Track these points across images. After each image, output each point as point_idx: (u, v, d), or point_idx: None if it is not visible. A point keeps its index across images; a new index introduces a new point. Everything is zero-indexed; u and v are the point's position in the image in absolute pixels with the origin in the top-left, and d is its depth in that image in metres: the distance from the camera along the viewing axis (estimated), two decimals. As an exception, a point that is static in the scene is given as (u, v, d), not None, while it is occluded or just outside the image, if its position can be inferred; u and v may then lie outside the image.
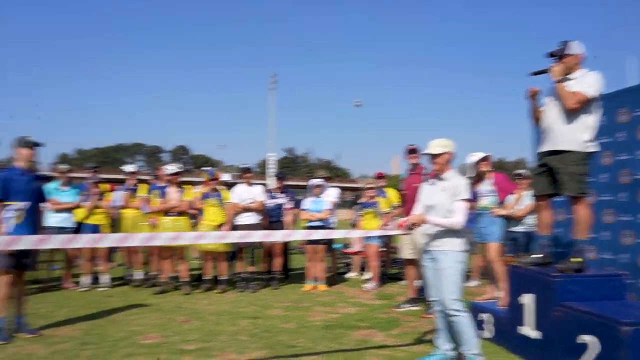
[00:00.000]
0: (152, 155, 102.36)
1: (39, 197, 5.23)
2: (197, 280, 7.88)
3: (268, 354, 4.46)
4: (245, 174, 7.89)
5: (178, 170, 7.66)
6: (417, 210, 4.31)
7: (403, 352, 4.55)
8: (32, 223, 5.01)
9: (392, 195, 8.49)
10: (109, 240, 3.49)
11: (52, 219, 7.29)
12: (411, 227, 4.21)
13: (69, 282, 7.73)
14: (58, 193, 7.50)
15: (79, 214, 7.67)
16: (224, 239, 6.01)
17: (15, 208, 4.85)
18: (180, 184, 7.69)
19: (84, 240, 3.34)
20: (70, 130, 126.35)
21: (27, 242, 3.32)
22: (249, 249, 7.92)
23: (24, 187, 4.96)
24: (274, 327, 5.45)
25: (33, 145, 5.04)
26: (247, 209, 7.64)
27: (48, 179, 7.36)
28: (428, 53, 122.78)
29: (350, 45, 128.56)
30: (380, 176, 9.15)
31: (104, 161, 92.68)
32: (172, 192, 7.50)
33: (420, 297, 6.34)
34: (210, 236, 5.18)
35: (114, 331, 5.14)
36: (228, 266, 7.82)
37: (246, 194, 7.72)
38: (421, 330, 5.30)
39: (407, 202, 6.23)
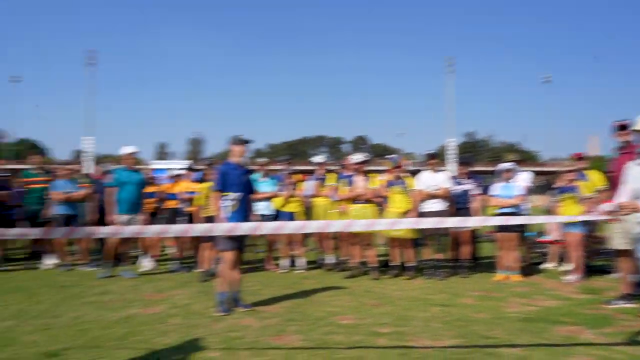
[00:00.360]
0: (334, 146, 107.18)
1: (250, 188, 5.84)
2: (384, 266, 8.06)
3: (462, 343, 4.36)
4: (430, 160, 7.79)
5: (364, 159, 7.89)
6: (624, 194, 3.77)
7: (620, 353, 4.05)
8: (245, 211, 5.63)
9: (595, 177, 7.58)
10: (312, 227, 3.75)
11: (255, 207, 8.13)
12: (621, 213, 3.71)
13: (271, 264, 8.53)
14: (258, 184, 8.32)
15: (277, 202, 8.42)
16: (418, 225, 6.03)
17: (231, 198, 5.53)
18: (366, 173, 7.92)
19: (291, 227, 3.64)
20: (262, 127, 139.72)
21: (245, 228, 3.74)
22: (436, 236, 7.83)
23: (238, 180, 5.59)
24: (467, 316, 5.31)
25: (245, 142, 5.71)
26: (432, 196, 7.55)
27: (250, 171, 8.22)
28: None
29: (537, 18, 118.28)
30: (579, 157, 8.23)
31: (292, 153, 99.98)
32: (359, 181, 7.76)
33: (637, 293, 5.57)
34: (404, 223, 5.24)
35: (313, 310, 5.53)
36: (415, 253, 7.84)
37: (431, 180, 7.63)
38: (640, 330, 4.66)
39: (616, 185, 5.50)
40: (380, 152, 76.21)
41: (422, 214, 7.50)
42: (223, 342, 4.37)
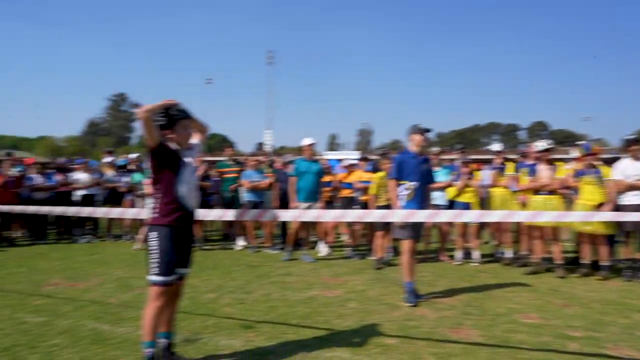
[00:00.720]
0: (508, 134, 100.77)
1: (429, 178, 5.71)
2: (570, 264, 7.33)
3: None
4: (631, 146, 6.82)
5: (548, 146, 7.23)
6: None
7: None
8: (422, 201, 5.54)
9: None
10: (494, 216, 3.56)
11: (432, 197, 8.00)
12: None
13: (444, 255, 8.35)
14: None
15: (451, 192, 8.18)
16: (618, 218, 5.35)
17: (407, 187, 5.51)
18: (550, 161, 7.26)
19: (470, 216, 3.49)
20: (429, 116, 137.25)
21: (421, 216, 3.71)
22: (637, 232, 6.86)
23: (416, 169, 5.53)
24: (680, 327, 4.56)
25: (424, 131, 5.61)
26: (633, 187, 6.62)
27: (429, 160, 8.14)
28: None
29: None
30: None
31: (461, 142, 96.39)
32: (543, 170, 7.14)
33: None
34: (601, 216, 4.67)
35: (492, 306, 5.27)
36: (609, 251, 6.97)
37: (632, 169, 6.69)
38: None
39: None
40: (561, 138, 69.38)
41: (619, 207, 6.63)
42: (400, 330, 4.41)
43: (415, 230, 5.51)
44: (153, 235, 3.28)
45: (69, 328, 4.28)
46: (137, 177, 10.12)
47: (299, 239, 8.73)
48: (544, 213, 3.15)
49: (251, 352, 3.75)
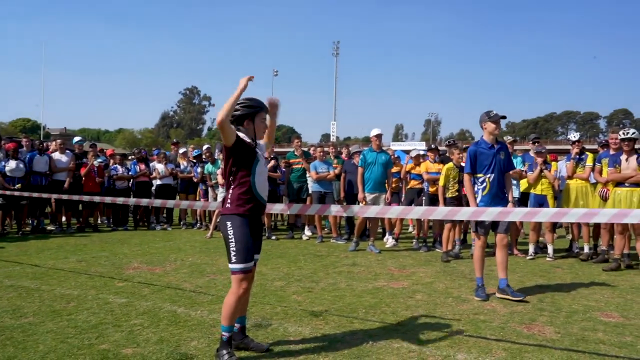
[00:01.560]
0: (587, 123, 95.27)
1: (506, 167, 5.36)
2: (657, 261, 6.86)
3: None
4: None
5: (634, 136, 6.75)
6: None
7: None
8: (500, 192, 5.28)
9: None
10: (571, 216, 3.38)
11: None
12: None
13: (516, 249, 8.06)
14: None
15: (524, 184, 7.87)
16: None
17: (481, 180, 5.30)
18: (635, 151, 6.79)
19: (545, 215, 3.34)
20: (499, 105, 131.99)
21: (489, 214, 3.60)
22: None
23: (491, 160, 5.25)
24: None
25: (499, 118, 5.27)
26: None
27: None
28: None
29: None
30: None
31: (535, 132, 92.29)
32: (630, 161, 6.69)
33: None
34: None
35: (567, 302, 5.04)
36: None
37: None
38: None
39: None
40: (647, 127, 64.68)
41: None
42: (469, 323, 4.32)
43: (490, 226, 5.31)
44: (229, 224, 3.34)
45: (149, 309, 4.53)
46: (209, 167, 10.49)
47: (365, 229, 8.74)
48: (630, 213, 2.91)
49: (319, 339, 3.81)
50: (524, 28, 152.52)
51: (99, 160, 10.84)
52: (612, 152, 7.15)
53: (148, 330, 3.96)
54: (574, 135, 8.25)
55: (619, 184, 6.73)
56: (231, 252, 3.31)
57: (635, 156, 6.65)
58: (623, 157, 6.72)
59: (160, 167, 11.14)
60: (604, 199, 6.95)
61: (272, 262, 6.98)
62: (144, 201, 8.28)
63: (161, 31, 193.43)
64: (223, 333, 3.34)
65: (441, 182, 7.77)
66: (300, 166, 9.79)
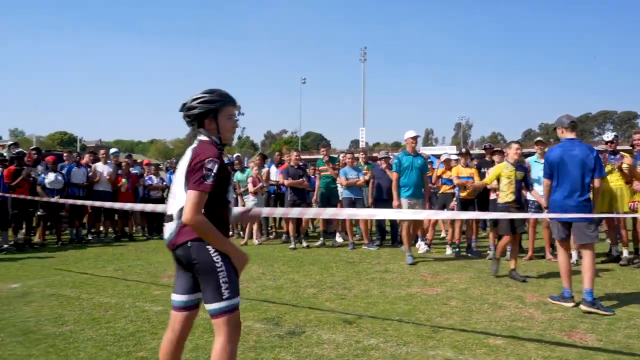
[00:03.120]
0: (624, 122, 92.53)
1: (594, 171, 5.03)
2: None
3: None
4: None
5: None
6: None
7: None
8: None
9: None
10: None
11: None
12: None
13: (549, 254, 7.85)
14: (537, 165, 7.76)
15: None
16: None
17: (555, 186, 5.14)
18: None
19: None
20: (532, 107, 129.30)
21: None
22: None
23: (572, 162, 5.05)
24: None
25: (574, 123, 5.20)
26: None
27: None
28: None
29: None
30: None
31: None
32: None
33: None
34: None
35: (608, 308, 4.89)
36: None
37: None
38: None
39: None
40: (689, 126, 62.18)
41: None
42: (506, 330, 4.23)
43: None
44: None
45: (184, 317, 4.60)
46: (238, 175, 10.61)
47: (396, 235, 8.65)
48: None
49: (353, 347, 3.79)
50: (553, 28, 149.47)
51: (135, 170, 11.09)
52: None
53: (184, 338, 4.01)
54: (607, 135, 8.00)
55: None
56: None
57: None
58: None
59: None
60: (634, 210, 6.75)
61: (304, 269, 6.99)
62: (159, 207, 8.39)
63: (189, 41, 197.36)
64: None
65: (489, 181, 7.24)
66: (328, 172, 9.78)
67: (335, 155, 10.82)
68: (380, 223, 10.18)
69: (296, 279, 6.28)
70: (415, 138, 7.86)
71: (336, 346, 3.82)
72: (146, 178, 11.16)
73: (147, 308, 4.92)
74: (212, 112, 2.60)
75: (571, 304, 5.01)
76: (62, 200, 8.49)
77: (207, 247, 2.49)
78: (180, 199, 2.52)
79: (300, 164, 9.77)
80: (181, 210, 2.48)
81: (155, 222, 11.26)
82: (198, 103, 2.59)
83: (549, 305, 5.04)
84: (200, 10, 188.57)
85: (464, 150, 9.18)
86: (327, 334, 4.10)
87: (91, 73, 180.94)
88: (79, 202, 8.48)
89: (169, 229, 2.59)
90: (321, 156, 10.56)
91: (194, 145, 2.61)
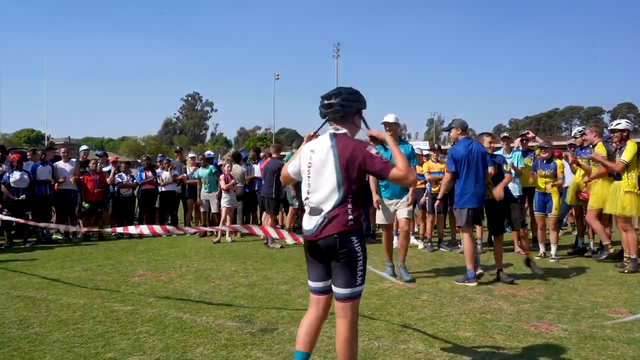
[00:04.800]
0: (591, 117, 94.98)
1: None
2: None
3: None
4: None
5: (627, 127, 6.66)
6: None
7: None
8: None
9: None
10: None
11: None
12: None
13: (518, 247, 8.00)
14: (507, 159, 7.87)
15: (525, 180, 7.85)
16: None
17: None
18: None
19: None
20: (502, 103, 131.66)
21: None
22: None
23: None
24: None
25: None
26: None
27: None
28: None
29: None
30: None
31: (537, 129, 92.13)
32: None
33: None
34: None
35: (575, 299, 5.03)
36: None
37: None
38: None
39: None
40: (651, 121, 64.22)
41: None
42: (475, 322, 4.30)
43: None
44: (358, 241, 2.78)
45: (154, 317, 4.53)
46: (200, 171, 10.51)
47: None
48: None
49: (326, 342, 3.80)
50: (523, 26, 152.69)
51: (105, 168, 10.89)
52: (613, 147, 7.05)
53: (154, 338, 3.96)
54: (577, 130, 8.18)
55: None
56: (359, 272, 2.77)
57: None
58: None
59: (165, 174, 11.18)
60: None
61: (277, 266, 6.97)
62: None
63: (160, 38, 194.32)
64: None
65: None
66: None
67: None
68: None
69: (269, 276, 6.26)
70: (391, 125, 6.20)
71: (308, 342, 3.82)
72: (116, 176, 10.95)
73: (116, 308, 4.84)
74: (360, 110, 2.95)
75: (474, 284, 5.70)
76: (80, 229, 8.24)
77: (352, 237, 2.72)
78: (329, 193, 2.74)
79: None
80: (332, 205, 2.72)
81: (125, 221, 11.06)
82: (358, 97, 2.91)
83: (517, 297, 5.15)
84: (170, 4, 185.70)
85: (436, 146, 9.26)
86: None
87: (59, 69, 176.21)
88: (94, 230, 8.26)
89: (313, 221, 2.78)
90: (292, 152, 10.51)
91: (327, 138, 2.84)
